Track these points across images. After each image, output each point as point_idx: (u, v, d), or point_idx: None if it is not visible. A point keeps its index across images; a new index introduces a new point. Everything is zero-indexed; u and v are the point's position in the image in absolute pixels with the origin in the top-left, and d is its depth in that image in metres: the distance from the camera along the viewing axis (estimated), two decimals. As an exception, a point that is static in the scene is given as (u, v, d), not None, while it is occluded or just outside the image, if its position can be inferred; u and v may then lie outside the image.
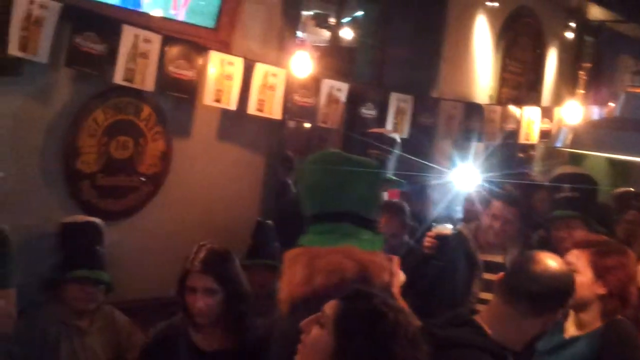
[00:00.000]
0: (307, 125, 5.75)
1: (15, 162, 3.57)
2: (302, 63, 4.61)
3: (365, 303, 1.88)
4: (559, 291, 2.53)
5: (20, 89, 3.55)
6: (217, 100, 4.25)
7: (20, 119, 3.58)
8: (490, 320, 2.51)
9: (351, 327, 1.84)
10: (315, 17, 7.93)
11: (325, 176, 2.41)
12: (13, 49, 3.33)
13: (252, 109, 4.41)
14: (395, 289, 2.57)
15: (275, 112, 4.51)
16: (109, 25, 3.71)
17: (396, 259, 2.64)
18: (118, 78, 3.75)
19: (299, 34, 5.11)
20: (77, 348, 3.45)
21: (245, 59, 4.36)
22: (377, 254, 2.35)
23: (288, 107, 4.59)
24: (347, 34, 7.05)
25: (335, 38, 6.81)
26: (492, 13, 7.03)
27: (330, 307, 1.90)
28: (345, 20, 7.12)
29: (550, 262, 2.55)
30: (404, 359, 1.82)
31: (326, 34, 7.69)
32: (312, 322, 1.91)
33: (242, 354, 2.87)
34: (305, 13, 7.43)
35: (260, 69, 4.42)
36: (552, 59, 8.54)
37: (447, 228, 4.17)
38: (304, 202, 2.46)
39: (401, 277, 2.79)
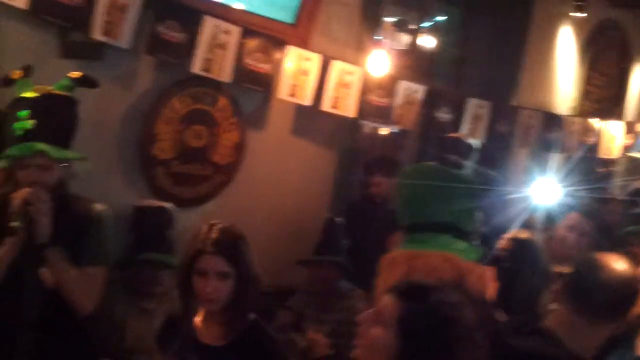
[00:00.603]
0: (384, 131, 5.70)
1: (94, 145, 3.65)
2: (379, 62, 4.59)
3: (428, 302, 1.82)
4: (628, 295, 2.42)
5: (101, 74, 3.60)
6: (292, 95, 4.27)
7: (101, 103, 3.67)
8: (557, 329, 2.42)
9: (416, 328, 1.76)
10: (395, 24, 7.90)
11: (424, 188, 2.43)
12: (97, 33, 3.42)
13: (326, 105, 4.42)
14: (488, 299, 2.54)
15: (349, 110, 4.50)
16: (190, 15, 3.77)
17: (490, 270, 2.62)
18: (196, 68, 3.81)
19: (378, 36, 5.07)
20: (143, 329, 3.50)
21: (323, 55, 4.37)
22: (475, 264, 2.35)
23: (363, 105, 4.57)
24: (426, 38, 6.98)
25: (414, 42, 6.75)
26: (577, 24, 6.85)
27: (390, 307, 1.84)
28: (425, 25, 7.05)
29: (617, 265, 2.44)
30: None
31: (405, 38, 7.64)
32: (370, 318, 1.86)
33: (243, 348, 2.51)
34: (385, 19, 7.38)
35: (336, 67, 4.42)
36: (637, 73, 8.26)
37: (524, 232, 4.06)
38: (400, 212, 2.50)
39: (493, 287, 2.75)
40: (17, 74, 2.68)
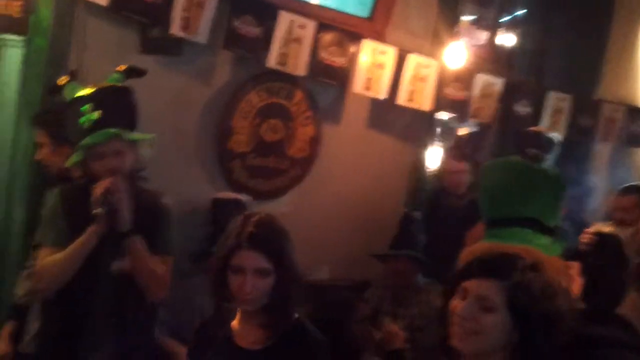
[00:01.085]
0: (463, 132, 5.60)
1: (173, 138, 3.74)
2: (455, 55, 4.53)
3: (531, 281, 1.83)
4: None
5: (180, 69, 3.73)
6: (367, 89, 4.26)
7: (180, 98, 3.75)
8: (631, 315, 2.36)
9: (527, 307, 1.80)
10: (473, 22, 7.78)
11: (508, 182, 2.42)
12: (175, 29, 3.49)
13: (402, 99, 4.38)
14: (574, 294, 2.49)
15: (425, 103, 4.46)
16: (266, 10, 3.81)
17: (576, 265, 2.57)
18: (272, 62, 3.84)
19: (455, 29, 5.00)
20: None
21: (398, 48, 4.34)
22: (557, 259, 2.35)
23: (439, 99, 4.52)
24: (505, 32, 6.85)
25: (492, 36, 6.63)
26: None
27: (491, 290, 1.83)
28: (504, 19, 6.92)
29: None
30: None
31: (483, 34, 7.51)
32: (475, 309, 1.84)
33: (284, 351, 2.26)
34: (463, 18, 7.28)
35: (412, 60, 4.39)
36: None
37: (607, 227, 3.95)
38: (482, 206, 2.48)
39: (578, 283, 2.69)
40: (63, 80, 2.77)
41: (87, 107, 2.61)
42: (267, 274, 2.16)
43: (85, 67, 3.42)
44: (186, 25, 3.51)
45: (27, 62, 3.51)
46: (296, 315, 2.29)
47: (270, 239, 2.21)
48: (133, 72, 2.78)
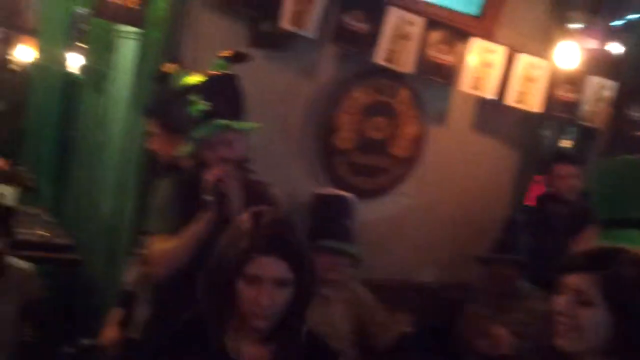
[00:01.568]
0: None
1: (277, 132, 3.76)
2: (568, 56, 4.37)
3: (631, 274, 1.77)
4: None
5: (287, 64, 3.74)
6: (475, 88, 4.16)
7: (285, 92, 3.77)
8: None
9: (625, 302, 1.76)
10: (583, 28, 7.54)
11: (623, 182, 2.33)
12: (285, 23, 3.50)
13: (510, 99, 4.26)
14: None
15: (534, 104, 4.32)
16: (375, 6, 3.78)
17: None
18: (379, 58, 3.81)
19: (566, 31, 4.84)
20: (319, 316, 3.52)
21: (508, 48, 4.23)
22: None
23: (549, 101, 4.37)
24: (617, 36, 6.60)
25: (604, 39, 6.40)
26: None
27: (587, 283, 1.77)
28: (616, 23, 6.67)
29: None
30: None
31: (595, 37, 7.26)
32: (571, 303, 1.78)
33: None
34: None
35: (522, 60, 4.26)
36: None
37: None
38: (596, 207, 2.39)
39: None
40: (169, 67, 2.81)
41: (196, 96, 2.64)
42: (287, 284, 1.81)
43: (197, 60, 3.48)
44: (296, 19, 3.52)
45: (142, 53, 3.61)
46: (306, 328, 1.91)
47: (291, 242, 1.84)
48: (238, 58, 2.80)
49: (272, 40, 3.62)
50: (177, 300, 2.75)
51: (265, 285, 1.79)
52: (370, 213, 3.98)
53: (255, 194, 2.76)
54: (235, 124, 2.66)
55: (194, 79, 2.71)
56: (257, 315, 1.82)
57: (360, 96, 3.95)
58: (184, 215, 2.69)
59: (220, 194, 2.60)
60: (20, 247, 3.04)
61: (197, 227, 2.66)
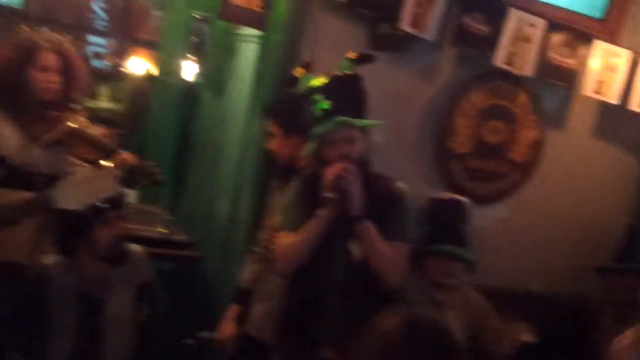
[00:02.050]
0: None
1: (393, 135, 3.74)
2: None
3: None
4: None
5: (405, 66, 3.73)
6: (598, 92, 4.03)
7: (403, 94, 3.76)
8: None
9: None
10: None
11: None
12: (405, 25, 3.50)
13: (634, 104, 4.11)
14: None
15: (661, 110, 4.15)
16: (495, 8, 3.73)
17: None
18: (499, 60, 3.75)
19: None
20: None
21: (633, 52, 4.08)
22: None
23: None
24: None
25: None
26: None
27: None
28: None
29: None
30: None
31: None
32: None
33: None
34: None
35: (647, 64, 4.10)
36: None
37: None
38: None
39: None
40: (299, 71, 2.87)
41: (318, 96, 2.69)
42: None
43: (317, 62, 3.52)
44: (416, 21, 3.52)
45: (262, 56, 3.69)
46: None
47: None
48: (363, 59, 2.83)
49: (391, 43, 3.62)
50: (299, 295, 2.83)
51: None
52: (485, 219, 3.91)
53: (378, 189, 2.77)
54: (355, 121, 2.69)
55: (319, 80, 2.76)
56: None
57: (477, 99, 3.89)
58: (308, 212, 2.73)
59: (341, 191, 2.63)
60: (140, 244, 3.15)
61: (316, 224, 2.70)
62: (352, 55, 2.82)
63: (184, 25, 4.49)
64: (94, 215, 2.73)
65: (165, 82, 4.56)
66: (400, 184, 2.86)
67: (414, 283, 3.49)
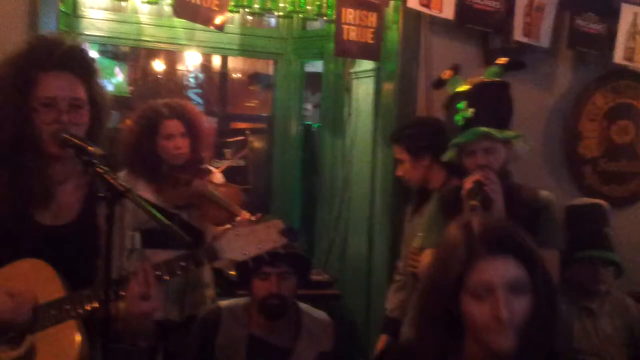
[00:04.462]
0: None
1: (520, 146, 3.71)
2: None
3: None
4: None
5: (523, 77, 3.68)
6: None
7: (524, 105, 3.71)
8: None
9: None
10: None
11: None
12: (518, 35, 3.51)
13: None
14: None
15: None
16: (607, 5, 3.70)
17: None
18: (618, 57, 3.70)
19: None
20: (589, 329, 3.39)
21: None
22: None
23: None
24: None
25: None
26: None
27: None
28: None
29: None
30: None
31: None
32: None
33: None
34: None
35: None
36: None
37: None
38: None
39: None
40: (447, 73, 2.86)
41: (462, 104, 2.69)
42: (524, 289, 1.53)
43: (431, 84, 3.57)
44: (528, 30, 3.52)
45: (380, 87, 3.76)
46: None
47: (521, 238, 1.61)
48: (513, 66, 2.82)
49: (504, 55, 3.60)
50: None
51: (499, 292, 1.51)
52: (620, 220, 3.78)
53: (524, 198, 2.74)
54: (496, 132, 2.65)
55: (464, 86, 2.75)
56: (497, 331, 1.50)
57: (600, 101, 3.83)
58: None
59: (483, 199, 2.60)
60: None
61: None
62: (501, 60, 2.81)
63: (297, 73, 4.64)
64: (254, 269, 2.79)
65: (284, 128, 4.70)
66: (546, 192, 2.81)
67: (562, 292, 3.42)
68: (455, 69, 2.89)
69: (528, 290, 1.51)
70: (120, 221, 1.85)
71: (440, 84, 2.88)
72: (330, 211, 4.39)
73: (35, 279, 1.97)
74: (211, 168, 3.69)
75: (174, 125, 3.43)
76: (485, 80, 2.76)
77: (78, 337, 1.92)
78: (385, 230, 3.75)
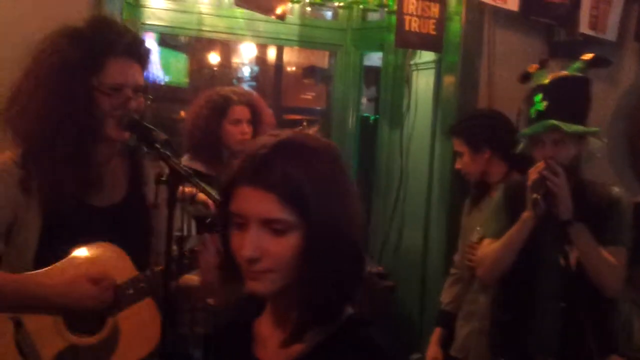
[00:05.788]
0: None
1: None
2: None
3: None
4: None
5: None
6: None
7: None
8: None
9: None
10: None
11: None
12: (584, 28, 3.44)
13: None
14: None
15: None
16: (677, -3, 3.59)
17: None
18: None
19: None
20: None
21: None
22: None
23: None
24: None
25: None
26: None
27: None
28: None
29: None
30: None
31: None
32: None
33: None
34: None
35: None
36: None
37: None
38: None
39: None
40: (533, 67, 2.84)
41: (538, 97, 2.68)
42: (284, 229, 1.29)
43: (493, 78, 3.53)
44: (595, 23, 3.45)
45: (440, 79, 3.73)
46: (350, 311, 1.38)
47: (290, 172, 1.29)
48: (598, 62, 2.79)
49: (569, 49, 3.55)
50: (513, 305, 2.78)
51: (251, 226, 1.30)
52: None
53: (595, 194, 2.71)
54: (564, 126, 2.62)
55: (544, 79, 2.73)
56: (247, 275, 1.32)
57: (668, 95, 3.73)
58: (513, 219, 2.70)
59: (546, 192, 2.58)
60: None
61: (519, 227, 2.67)
62: (587, 56, 2.77)
63: (356, 64, 4.63)
64: None
65: (342, 120, 4.69)
66: (617, 189, 2.77)
67: (625, 292, 3.35)
68: (542, 63, 2.86)
69: (295, 232, 1.29)
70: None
71: (526, 77, 2.85)
72: (386, 204, 4.37)
73: (108, 261, 2.02)
74: None
75: (242, 111, 3.49)
76: (565, 74, 2.73)
77: (157, 313, 1.96)
78: (442, 224, 3.72)
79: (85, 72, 2.03)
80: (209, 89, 3.64)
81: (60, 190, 2.01)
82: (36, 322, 1.95)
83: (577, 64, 2.74)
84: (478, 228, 3.15)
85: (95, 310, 1.98)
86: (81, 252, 2.01)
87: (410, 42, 3.45)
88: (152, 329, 1.95)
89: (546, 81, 2.70)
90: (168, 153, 1.93)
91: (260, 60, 7.44)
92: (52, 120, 2.00)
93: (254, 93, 3.71)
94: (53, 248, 2.01)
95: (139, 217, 2.16)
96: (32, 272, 1.98)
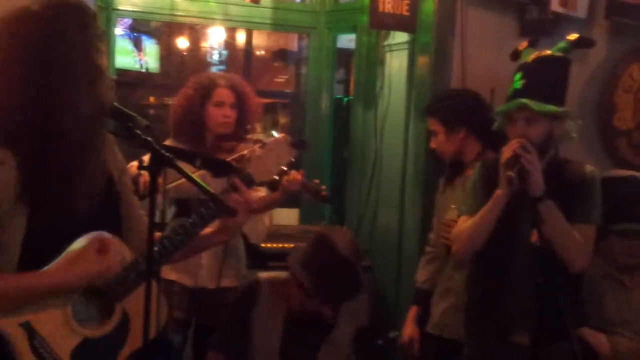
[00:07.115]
0: None
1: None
2: None
3: None
4: None
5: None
6: None
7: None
8: None
9: None
10: None
11: None
12: (555, 6, 3.48)
13: None
14: None
15: None
16: (645, -25, 3.65)
17: None
18: (655, 28, 3.65)
19: None
20: (622, 302, 3.38)
21: None
22: None
23: None
24: None
25: None
26: None
27: None
28: None
29: None
30: None
31: None
32: None
33: None
34: None
35: None
36: None
37: None
38: None
39: None
40: (523, 45, 2.87)
41: (518, 75, 2.72)
42: None
43: (467, 58, 3.56)
44: (565, 1, 3.49)
45: (414, 59, 3.75)
46: None
47: None
48: (582, 43, 2.81)
49: (541, 28, 3.60)
50: (486, 282, 2.83)
51: None
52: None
53: (568, 173, 2.76)
54: (533, 105, 2.65)
55: (528, 58, 2.76)
56: None
57: (636, 72, 3.80)
58: (488, 196, 2.74)
59: (519, 169, 2.61)
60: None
61: (493, 204, 2.70)
62: (572, 37, 2.79)
63: (329, 47, 4.64)
64: None
65: (315, 102, 4.71)
66: (590, 167, 2.82)
67: (596, 265, 3.40)
68: (533, 42, 2.88)
69: None
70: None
71: (515, 55, 2.88)
72: (361, 185, 4.40)
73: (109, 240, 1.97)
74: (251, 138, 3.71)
75: (226, 94, 3.52)
76: (547, 54, 2.76)
77: (158, 293, 1.95)
78: (417, 203, 3.76)
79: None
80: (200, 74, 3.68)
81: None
82: (46, 323, 1.89)
83: (562, 44, 2.78)
84: (453, 206, 3.19)
85: (105, 285, 1.93)
86: (78, 241, 1.96)
87: (384, 23, 3.47)
88: (161, 311, 1.95)
89: (529, 60, 2.74)
90: (149, 139, 1.91)
91: (230, 44, 7.42)
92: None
93: (244, 81, 3.72)
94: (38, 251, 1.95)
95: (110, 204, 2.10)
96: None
